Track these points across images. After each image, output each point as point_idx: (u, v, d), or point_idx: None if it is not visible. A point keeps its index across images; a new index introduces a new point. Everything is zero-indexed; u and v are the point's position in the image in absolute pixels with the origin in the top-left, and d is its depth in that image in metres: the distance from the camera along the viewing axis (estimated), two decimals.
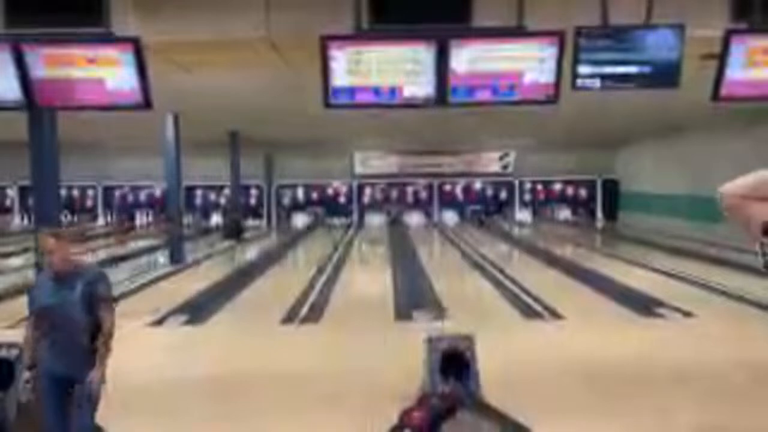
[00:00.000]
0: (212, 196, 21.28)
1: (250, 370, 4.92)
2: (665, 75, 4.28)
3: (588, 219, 20.85)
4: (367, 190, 21.62)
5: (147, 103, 4.33)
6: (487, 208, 21.25)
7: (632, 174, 19.59)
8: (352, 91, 4.27)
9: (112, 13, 4.24)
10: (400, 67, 4.20)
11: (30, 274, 7.84)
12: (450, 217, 21.11)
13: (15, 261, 12.02)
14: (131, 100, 4.32)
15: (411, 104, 4.32)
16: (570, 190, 21.30)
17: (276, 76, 7.19)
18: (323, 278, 9.44)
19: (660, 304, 7.21)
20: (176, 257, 11.39)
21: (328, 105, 4.31)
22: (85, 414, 2.93)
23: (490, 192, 21.60)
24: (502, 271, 9.87)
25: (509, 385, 4.21)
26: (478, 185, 21.60)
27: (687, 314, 6.71)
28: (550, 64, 4.17)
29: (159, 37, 4.77)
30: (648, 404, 4.09)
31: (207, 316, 6.98)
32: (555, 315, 6.79)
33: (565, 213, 21.18)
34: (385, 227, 19.04)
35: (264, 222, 20.75)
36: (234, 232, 15.54)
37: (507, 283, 8.85)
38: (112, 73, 4.24)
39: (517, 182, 21.38)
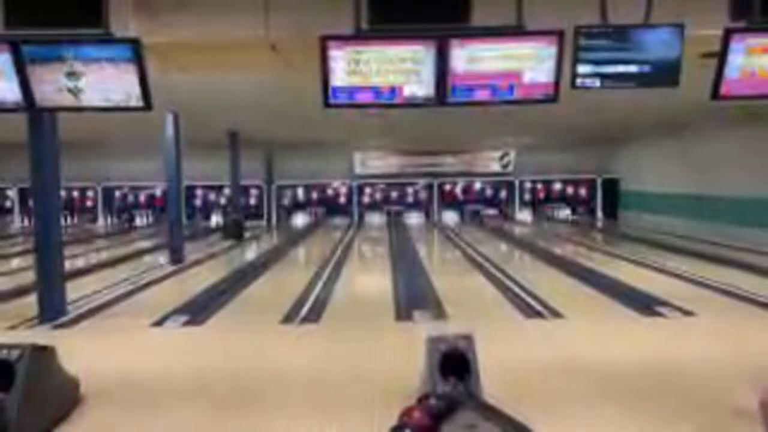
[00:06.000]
0: (212, 196, 21.30)
1: (249, 369, 4.92)
2: (665, 74, 4.28)
3: (588, 218, 20.86)
4: (367, 190, 21.63)
5: (147, 104, 4.33)
6: (486, 206, 21.32)
7: (632, 173, 19.60)
8: (351, 90, 4.27)
9: (111, 14, 4.24)
10: (399, 66, 4.21)
11: (31, 275, 7.84)
12: (450, 216, 21.13)
13: (15, 262, 12.04)
14: (131, 101, 4.31)
15: (410, 104, 4.32)
16: (570, 189, 21.31)
17: (276, 77, 7.20)
18: (323, 278, 9.45)
19: (661, 302, 7.21)
20: (176, 257, 11.40)
21: (327, 105, 4.32)
22: None
23: (489, 191, 21.63)
24: (502, 271, 9.88)
25: (510, 384, 4.22)
26: (478, 185, 21.61)
27: (688, 313, 6.72)
28: (550, 64, 4.17)
29: (159, 38, 4.78)
30: (649, 402, 4.09)
31: (207, 316, 6.99)
32: (555, 314, 6.79)
33: (565, 212, 21.19)
34: (385, 227, 19.05)
35: (264, 222, 20.77)
36: (234, 232, 15.54)
37: (507, 282, 8.85)
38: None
39: (517, 181, 21.39)
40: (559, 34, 4.12)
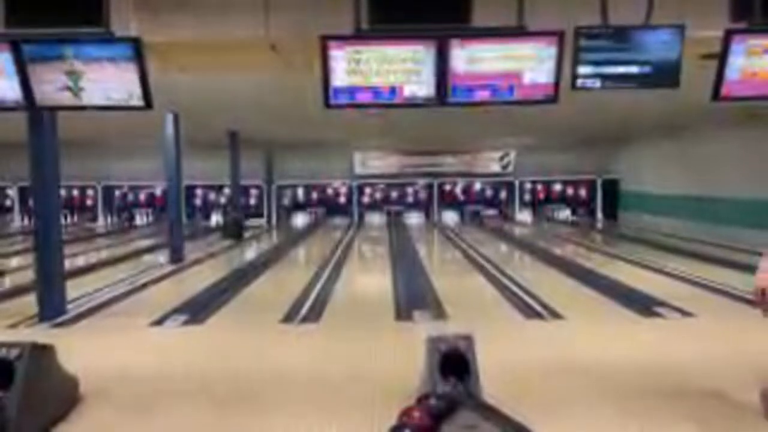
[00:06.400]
0: (212, 196, 21.30)
1: (249, 369, 4.92)
2: (665, 75, 4.28)
3: (588, 219, 20.86)
4: (367, 190, 21.63)
5: (147, 104, 4.33)
6: (486, 206, 21.35)
7: (632, 174, 19.60)
8: (351, 90, 4.27)
9: (112, 13, 4.24)
10: (399, 66, 4.21)
11: (30, 274, 7.84)
12: (450, 217, 21.13)
13: (15, 261, 12.04)
14: (132, 100, 4.31)
15: (411, 104, 4.32)
16: (570, 190, 21.32)
17: (276, 76, 7.20)
18: (323, 278, 9.44)
19: (660, 303, 7.22)
20: (176, 256, 11.40)
21: (328, 105, 4.32)
22: None
23: (489, 192, 21.63)
24: (502, 271, 9.88)
25: (509, 384, 4.22)
26: (478, 185, 21.61)
27: (687, 314, 6.72)
28: (550, 64, 4.17)
29: (159, 38, 4.78)
30: (649, 403, 4.09)
31: (207, 316, 6.99)
32: (555, 314, 6.79)
33: (565, 213, 21.20)
34: (385, 227, 19.05)
35: (264, 222, 20.76)
36: (234, 231, 15.54)
37: (507, 282, 8.85)
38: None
39: (517, 182, 21.39)
40: (560, 35, 4.12)
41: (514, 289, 8.34)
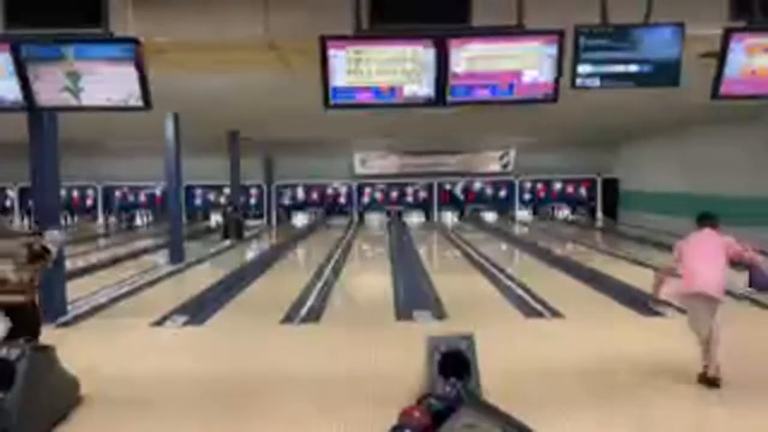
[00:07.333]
0: (212, 196, 21.30)
1: (249, 370, 4.93)
2: (665, 73, 4.28)
3: (588, 218, 20.87)
4: (367, 190, 21.62)
5: (147, 104, 4.33)
6: (486, 206, 21.37)
7: (632, 173, 19.59)
8: (351, 91, 4.27)
9: (111, 14, 4.24)
10: (399, 66, 4.20)
11: None
12: (450, 216, 21.12)
13: None
14: (131, 100, 4.31)
15: (411, 104, 4.32)
16: (570, 189, 21.32)
17: (276, 76, 7.19)
18: (323, 278, 9.44)
19: (660, 301, 7.20)
20: (176, 257, 11.40)
21: (327, 105, 4.31)
22: None
23: (489, 191, 21.62)
24: (502, 270, 9.87)
25: (509, 384, 4.22)
26: (478, 185, 21.60)
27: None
28: (550, 63, 4.17)
29: (159, 38, 4.78)
30: (649, 401, 4.09)
31: (207, 316, 6.99)
32: (555, 313, 6.79)
33: (565, 212, 21.21)
34: (385, 227, 19.05)
35: (264, 222, 20.77)
36: (234, 231, 15.55)
37: (507, 281, 8.85)
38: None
39: (517, 181, 21.39)
40: (559, 34, 4.12)
41: (514, 287, 8.34)
